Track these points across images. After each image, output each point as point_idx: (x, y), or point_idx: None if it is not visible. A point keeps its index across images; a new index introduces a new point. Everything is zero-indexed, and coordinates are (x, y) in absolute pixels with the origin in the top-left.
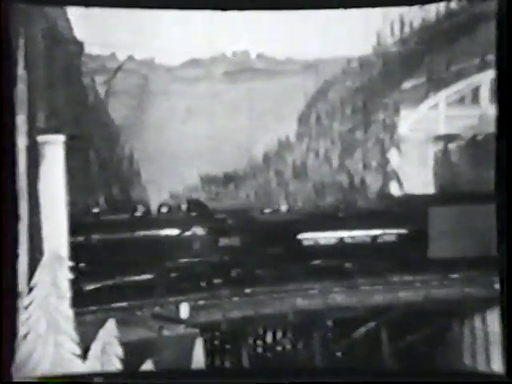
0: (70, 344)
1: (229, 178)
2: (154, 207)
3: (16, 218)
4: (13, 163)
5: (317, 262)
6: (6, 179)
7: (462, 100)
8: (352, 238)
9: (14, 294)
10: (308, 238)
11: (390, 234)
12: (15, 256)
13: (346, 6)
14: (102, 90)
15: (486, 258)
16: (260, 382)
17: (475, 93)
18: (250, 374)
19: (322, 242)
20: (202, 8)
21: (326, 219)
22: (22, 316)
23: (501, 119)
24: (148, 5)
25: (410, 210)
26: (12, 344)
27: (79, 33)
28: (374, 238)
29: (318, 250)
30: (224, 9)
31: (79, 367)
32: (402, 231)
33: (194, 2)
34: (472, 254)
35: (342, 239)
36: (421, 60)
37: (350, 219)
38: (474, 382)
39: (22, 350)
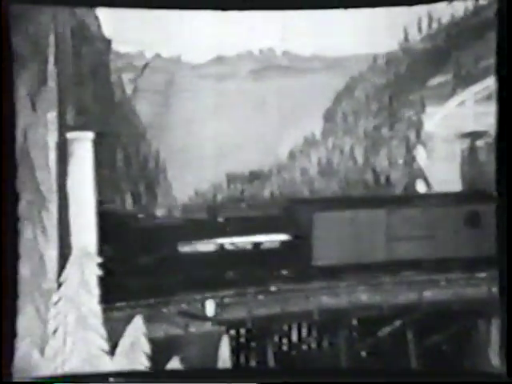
0: (99, 340)
1: (254, 176)
2: None
3: (16, 217)
4: (14, 165)
5: (196, 270)
6: (6, 179)
7: (489, 96)
8: (233, 244)
9: (15, 295)
10: (186, 245)
11: (273, 240)
12: (16, 256)
13: (369, 5)
14: (129, 88)
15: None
16: (285, 381)
17: None
18: (275, 373)
19: (201, 249)
20: (228, 8)
21: (205, 225)
22: (51, 312)
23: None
24: (175, 5)
25: (295, 215)
26: (12, 344)
27: (107, 30)
28: (257, 244)
29: (197, 258)
30: (249, 8)
31: (107, 363)
32: (286, 238)
33: (220, 2)
34: (359, 261)
35: (222, 246)
36: (448, 56)
37: (229, 224)
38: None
39: (51, 345)
